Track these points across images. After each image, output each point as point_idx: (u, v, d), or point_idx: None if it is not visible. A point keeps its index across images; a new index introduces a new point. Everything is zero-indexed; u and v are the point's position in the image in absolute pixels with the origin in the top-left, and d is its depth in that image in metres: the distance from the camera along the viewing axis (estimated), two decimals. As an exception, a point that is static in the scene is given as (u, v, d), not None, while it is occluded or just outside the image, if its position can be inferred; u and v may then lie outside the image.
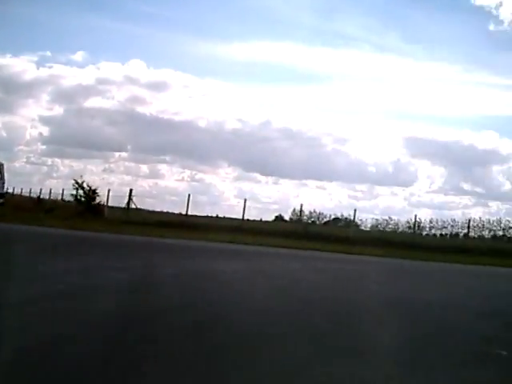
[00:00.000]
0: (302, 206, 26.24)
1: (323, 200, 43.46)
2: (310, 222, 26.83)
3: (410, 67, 50.66)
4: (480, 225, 23.85)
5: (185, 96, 52.34)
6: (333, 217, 27.64)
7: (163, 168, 51.94)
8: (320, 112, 54.10)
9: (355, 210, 25.15)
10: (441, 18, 48.28)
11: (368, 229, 25.84)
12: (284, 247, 17.85)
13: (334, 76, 53.22)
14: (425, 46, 50.33)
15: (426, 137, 46.06)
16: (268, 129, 47.25)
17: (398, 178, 42.46)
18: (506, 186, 41.72)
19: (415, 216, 24.67)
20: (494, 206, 44.51)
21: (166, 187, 44.91)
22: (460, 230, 25.03)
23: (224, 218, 28.73)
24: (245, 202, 24.67)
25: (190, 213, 25.11)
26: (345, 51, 51.68)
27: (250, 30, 53.34)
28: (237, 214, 25.04)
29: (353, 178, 45.12)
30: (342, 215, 27.06)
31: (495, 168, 47.87)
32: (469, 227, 23.57)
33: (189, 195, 25.10)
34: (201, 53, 51.30)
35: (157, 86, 52.69)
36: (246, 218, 24.70)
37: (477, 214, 48.37)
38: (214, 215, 31.53)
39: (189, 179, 45.82)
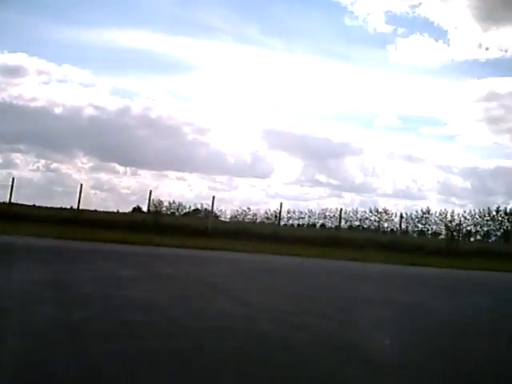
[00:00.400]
0: (150, 192, 23.77)
1: (183, 191, 41.04)
2: (168, 213, 25.01)
3: (270, 59, 50.32)
4: (337, 215, 23.96)
5: (40, 82, 46.99)
6: (192, 208, 26.07)
7: (17, 157, 46.52)
8: (180, 101, 51.78)
9: (213, 198, 22.94)
10: (299, 11, 48.47)
11: (227, 219, 25.10)
12: (128, 243, 14.76)
13: (195, 66, 51.42)
14: (283, 38, 49.95)
15: (283, 129, 46.41)
16: (126, 116, 43.53)
17: (256, 170, 41.81)
18: (360, 178, 42.91)
19: (281, 204, 23.76)
20: (347, 197, 45.65)
21: (20, 178, 39.17)
22: (317, 221, 25.42)
23: (67, 208, 24.56)
24: (81, 187, 21.17)
25: (40, 204, 22.35)
26: (206, 41, 50.26)
27: (109, 17, 49.67)
28: (94, 206, 21.61)
29: (213, 169, 43.35)
30: (202, 206, 25.83)
31: (349, 160, 48.86)
32: (340, 218, 23.40)
33: (13, 179, 21.20)
34: (58, 38, 46.48)
35: (11, 71, 47.83)
36: (101, 209, 21.53)
37: (331, 204, 49.53)
38: (69, 207, 27.50)
39: (44, 169, 41.13)
